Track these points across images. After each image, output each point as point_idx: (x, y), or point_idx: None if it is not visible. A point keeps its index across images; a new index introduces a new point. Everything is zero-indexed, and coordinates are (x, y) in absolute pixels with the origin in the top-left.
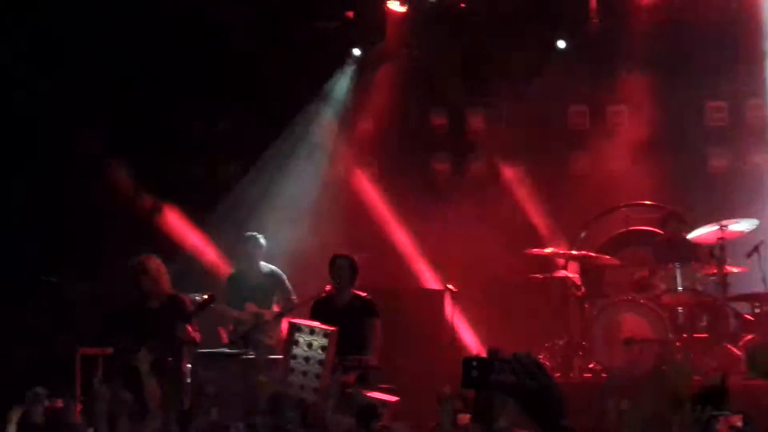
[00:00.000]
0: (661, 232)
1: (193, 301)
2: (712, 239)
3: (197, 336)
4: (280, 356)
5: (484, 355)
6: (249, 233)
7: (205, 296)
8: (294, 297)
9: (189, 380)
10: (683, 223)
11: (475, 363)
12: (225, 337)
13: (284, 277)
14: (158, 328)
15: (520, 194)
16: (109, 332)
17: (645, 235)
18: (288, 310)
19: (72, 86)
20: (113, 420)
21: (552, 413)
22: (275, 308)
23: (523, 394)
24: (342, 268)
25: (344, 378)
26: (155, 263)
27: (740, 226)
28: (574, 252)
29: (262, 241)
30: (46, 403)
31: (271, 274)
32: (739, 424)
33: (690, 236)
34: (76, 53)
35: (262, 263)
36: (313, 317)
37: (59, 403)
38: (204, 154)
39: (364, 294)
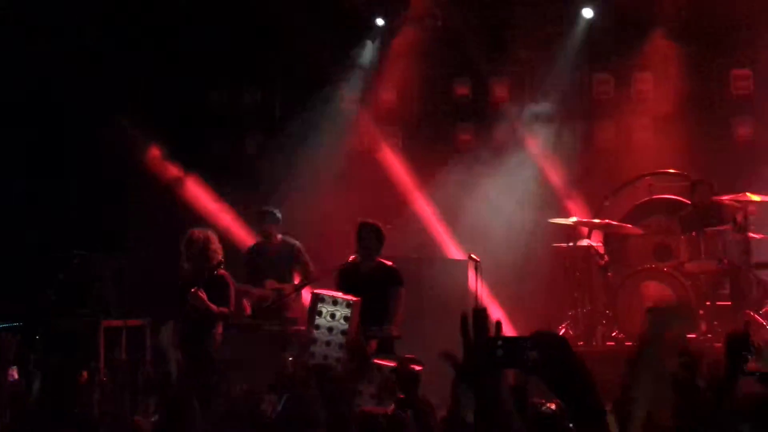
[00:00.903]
0: (687, 201)
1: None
2: (737, 207)
3: (212, 306)
4: (303, 327)
5: (493, 325)
6: (264, 208)
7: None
8: (311, 267)
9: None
10: (710, 189)
11: (500, 342)
12: (248, 309)
13: (302, 248)
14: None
15: (544, 163)
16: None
17: (669, 203)
18: (306, 282)
19: (96, 61)
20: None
21: (580, 391)
22: (295, 280)
23: (548, 373)
24: (369, 235)
25: (367, 346)
26: (203, 238)
27: (764, 198)
28: (597, 221)
29: (278, 215)
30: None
31: (289, 246)
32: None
33: (715, 203)
34: (96, 24)
35: (279, 235)
36: (338, 284)
37: (84, 376)
38: (229, 126)
39: (390, 262)
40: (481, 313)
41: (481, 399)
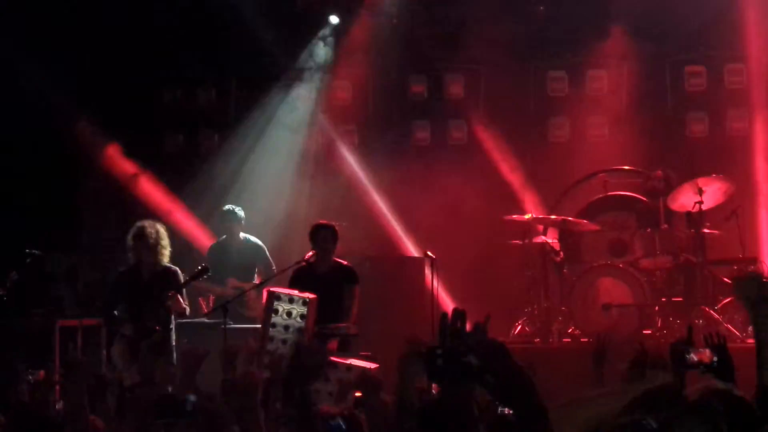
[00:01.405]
0: (642, 197)
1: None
2: (691, 203)
3: (187, 308)
4: (258, 325)
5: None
6: (227, 207)
7: (198, 268)
8: (274, 268)
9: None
10: (662, 185)
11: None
12: (204, 307)
13: (264, 248)
14: (148, 295)
15: (500, 160)
16: (105, 304)
17: (624, 199)
18: (268, 281)
19: (48, 57)
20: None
21: (522, 394)
22: (257, 279)
23: (490, 379)
24: (324, 236)
25: (327, 345)
26: (155, 232)
27: (716, 185)
28: (553, 217)
29: (241, 213)
30: (30, 378)
31: (252, 246)
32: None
33: (669, 199)
34: (53, 23)
35: (242, 234)
36: (293, 285)
37: (41, 375)
38: (184, 124)
39: (345, 262)
40: (459, 314)
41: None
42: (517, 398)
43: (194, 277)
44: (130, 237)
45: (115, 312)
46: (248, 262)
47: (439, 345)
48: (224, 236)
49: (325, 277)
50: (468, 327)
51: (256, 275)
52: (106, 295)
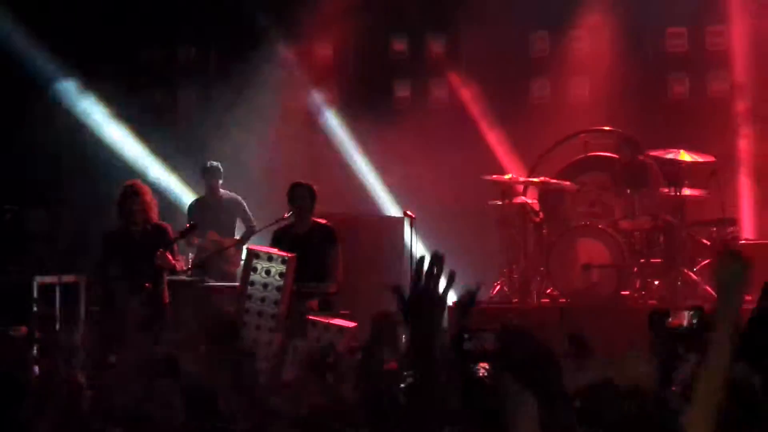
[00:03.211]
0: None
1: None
2: (670, 164)
3: (178, 264)
4: (236, 283)
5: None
6: (208, 163)
7: (187, 224)
8: (254, 223)
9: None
10: (637, 148)
11: (467, 335)
12: (183, 264)
13: (244, 203)
14: (140, 254)
15: (480, 120)
16: (97, 266)
17: (604, 160)
18: (248, 237)
19: (30, 11)
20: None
21: (546, 380)
22: (236, 235)
23: (514, 363)
24: (302, 195)
25: (308, 304)
26: (144, 190)
27: (697, 157)
28: (533, 179)
29: (220, 169)
30: (12, 333)
31: (232, 201)
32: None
33: (648, 160)
34: None
35: (222, 190)
36: (273, 246)
37: (23, 330)
38: (164, 81)
39: (324, 221)
40: (437, 257)
41: (417, 340)
42: (542, 382)
43: (183, 233)
44: (120, 195)
45: (106, 269)
46: (228, 217)
47: (413, 286)
48: (205, 191)
49: (304, 237)
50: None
51: (236, 230)
52: (98, 254)
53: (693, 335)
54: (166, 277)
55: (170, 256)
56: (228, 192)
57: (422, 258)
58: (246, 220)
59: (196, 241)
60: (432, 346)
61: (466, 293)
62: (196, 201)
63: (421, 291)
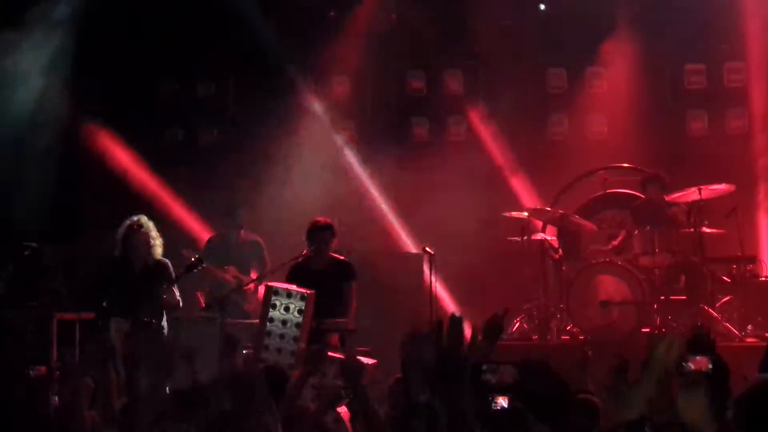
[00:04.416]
0: (641, 195)
1: (185, 263)
2: (690, 202)
3: (180, 301)
4: (255, 320)
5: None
6: (237, 206)
7: (192, 258)
8: (269, 265)
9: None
10: (663, 186)
11: (486, 367)
12: (202, 301)
13: (263, 246)
14: (141, 288)
15: (499, 157)
16: (92, 295)
17: (623, 197)
18: (268, 274)
19: (47, 47)
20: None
21: (563, 413)
22: (253, 275)
23: (533, 397)
24: (321, 234)
25: (328, 339)
26: (149, 226)
27: (717, 188)
28: (549, 209)
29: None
30: (31, 373)
31: (252, 243)
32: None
33: (668, 198)
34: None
35: (243, 231)
36: (290, 282)
37: (42, 371)
38: (183, 117)
39: (342, 257)
40: (456, 320)
41: (448, 404)
42: (560, 415)
43: (188, 269)
44: (122, 230)
45: (104, 304)
46: (248, 256)
47: (437, 349)
48: (227, 230)
49: (322, 273)
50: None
51: (252, 271)
52: (90, 286)
53: (709, 379)
54: (167, 314)
55: (174, 292)
56: (249, 233)
57: (440, 322)
58: (262, 264)
59: (219, 274)
60: (461, 409)
61: (492, 318)
62: (216, 237)
63: (445, 354)
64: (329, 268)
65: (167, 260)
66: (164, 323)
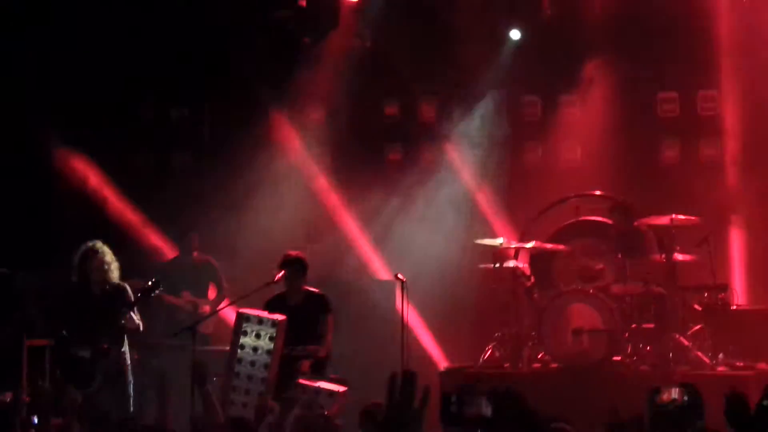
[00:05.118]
0: (610, 222)
1: (139, 288)
2: (661, 230)
3: (140, 324)
4: (224, 347)
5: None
6: (194, 232)
7: (149, 282)
8: (225, 284)
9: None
10: (630, 214)
11: (454, 398)
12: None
13: (216, 265)
14: (99, 314)
15: (472, 184)
16: (51, 322)
17: (595, 225)
18: (221, 300)
19: (21, 73)
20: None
21: None
22: (209, 295)
23: (503, 427)
24: (293, 268)
25: (300, 366)
26: (104, 251)
27: (689, 218)
28: (526, 245)
29: (197, 237)
30: None
31: (206, 262)
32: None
33: (639, 225)
34: (26, 39)
35: (197, 254)
36: None
37: (8, 397)
38: (156, 142)
39: (317, 290)
40: (410, 376)
41: None
42: None
43: (146, 292)
44: (78, 256)
45: (64, 332)
46: (202, 277)
47: (387, 403)
48: (180, 255)
49: (297, 307)
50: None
51: (209, 291)
52: (50, 314)
53: (683, 412)
54: (128, 338)
55: (133, 316)
56: (202, 254)
57: (394, 375)
58: (218, 282)
59: (174, 301)
60: None
61: (403, 377)
62: (171, 261)
63: (396, 407)
64: (304, 302)
65: (125, 284)
66: (125, 348)
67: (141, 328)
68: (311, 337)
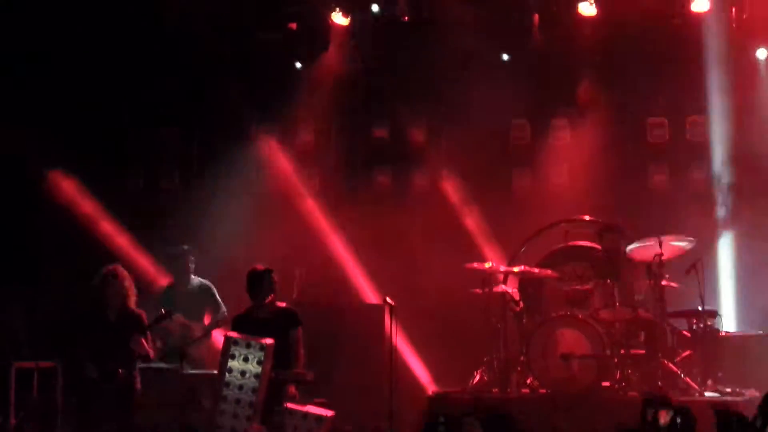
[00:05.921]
0: (599, 246)
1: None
2: (650, 255)
3: (151, 351)
4: (214, 371)
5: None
6: (185, 247)
7: (161, 311)
8: (224, 309)
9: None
10: (621, 236)
11: (442, 419)
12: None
13: (214, 289)
14: (114, 339)
15: (461, 208)
16: (61, 343)
17: (584, 250)
18: (216, 324)
19: (8, 93)
20: None
21: None
22: (205, 320)
23: None
24: (260, 283)
25: (287, 390)
26: (126, 275)
27: (678, 243)
28: (515, 270)
29: (191, 253)
30: None
31: (202, 287)
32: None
33: (628, 250)
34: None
35: (193, 276)
36: (234, 331)
37: None
38: (146, 164)
39: (284, 304)
40: None
41: None
42: None
43: (158, 320)
44: (99, 279)
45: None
46: (199, 303)
47: None
48: (177, 275)
49: (265, 322)
50: None
51: (205, 316)
52: (64, 335)
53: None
54: (139, 364)
55: (146, 343)
56: (198, 278)
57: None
58: (215, 306)
59: (168, 326)
60: None
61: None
62: (168, 288)
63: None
64: (273, 316)
65: (141, 311)
66: (137, 374)
67: (152, 356)
68: (282, 352)
